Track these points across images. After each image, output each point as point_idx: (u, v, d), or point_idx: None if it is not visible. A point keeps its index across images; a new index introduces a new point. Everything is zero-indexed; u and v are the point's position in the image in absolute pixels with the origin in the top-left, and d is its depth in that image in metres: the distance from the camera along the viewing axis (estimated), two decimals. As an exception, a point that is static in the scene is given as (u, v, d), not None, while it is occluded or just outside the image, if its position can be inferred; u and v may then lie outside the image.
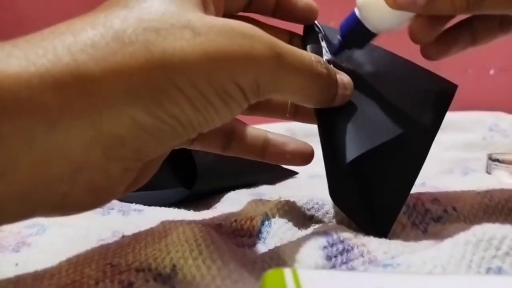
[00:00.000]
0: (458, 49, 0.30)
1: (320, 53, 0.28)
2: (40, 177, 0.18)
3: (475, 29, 0.30)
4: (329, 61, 0.28)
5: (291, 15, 0.29)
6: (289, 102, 0.31)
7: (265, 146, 0.31)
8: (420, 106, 0.28)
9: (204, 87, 0.20)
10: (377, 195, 0.27)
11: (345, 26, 0.28)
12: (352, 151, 0.25)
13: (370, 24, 0.27)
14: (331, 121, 0.27)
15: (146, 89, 0.19)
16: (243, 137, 0.30)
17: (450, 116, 0.76)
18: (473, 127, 0.73)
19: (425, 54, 0.30)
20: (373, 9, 0.27)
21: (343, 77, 0.27)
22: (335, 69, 0.27)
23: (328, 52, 0.29)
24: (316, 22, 0.30)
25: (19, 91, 0.17)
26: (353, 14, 0.28)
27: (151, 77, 0.19)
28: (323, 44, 0.29)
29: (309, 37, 0.30)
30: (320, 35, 0.30)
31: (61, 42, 0.18)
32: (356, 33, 0.28)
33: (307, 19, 0.30)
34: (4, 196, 0.18)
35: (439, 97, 0.28)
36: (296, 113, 0.32)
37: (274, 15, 0.30)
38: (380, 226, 0.26)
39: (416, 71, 0.29)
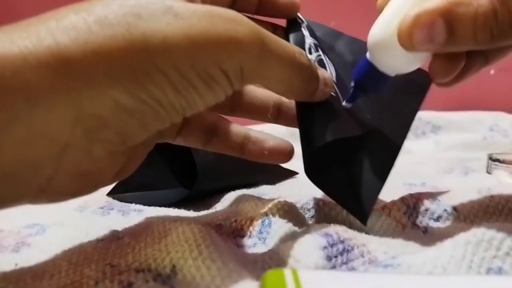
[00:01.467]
0: (472, 73, 0.29)
1: (302, 41, 0.29)
2: (24, 156, 0.19)
3: (487, 51, 0.28)
4: (310, 51, 0.29)
5: (274, 11, 0.30)
6: (272, 103, 0.31)
7: (245, 143, 0.31)
8: (398, 95, 0.29)
9: (186, 70, 0.21)
10: (356, 180, 0.27)
11: (357, 71, 0.27)
12: (325, 136, 0.26)
13: (384, 67, 0.26)
14: (309, 110, 0.27)
15: (126, 70, 0.19)
16: (225, 134, 0.31)
17: (450, 116, 0.77)
18: (473, 127, 0.73)
19: (440, 84, 0.28)
20: (386, 51, 0.25)
21: (323, 73, 0.27)
22: (316, 64, 0.27)
23: (310, 37, 0.29)
24: (298, 14, 0.31)
25: (3, 70, 0.18)
26: (365, 58, 0.26)
27: (131, 59, 0.19)
28: (305, 32, 0.30)
29: (292, 27, 0.30)
30: (302, 24, 0.30)
31: (45, 26, 0.19)
32: (370, 77, 0.26)
33: (289, 13, 0.30)
34: None
35: (417, 87, 0.29)
36: (279, 116, 0.32)
37: (257, 12, 0.30)
38: (360, 211, 0.27)
39: None
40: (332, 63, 0.30)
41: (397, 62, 0.25)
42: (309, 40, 0.29)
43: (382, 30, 0.25)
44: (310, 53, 0.29)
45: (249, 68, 0.22)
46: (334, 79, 0.28)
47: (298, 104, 0.28)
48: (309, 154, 0.26)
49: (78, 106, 0.19)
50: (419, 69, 0.27)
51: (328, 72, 0.28)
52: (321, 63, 0.28)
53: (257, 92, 0.32)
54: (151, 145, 0.27)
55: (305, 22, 0.31)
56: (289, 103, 0.32)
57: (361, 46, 0.30)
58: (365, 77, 0.26)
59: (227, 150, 0.31)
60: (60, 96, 0.19)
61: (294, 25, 0.30)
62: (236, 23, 0.22)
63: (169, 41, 0.20)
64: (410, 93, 0.29)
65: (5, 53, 0.18)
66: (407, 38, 0.23)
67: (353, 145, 0.28)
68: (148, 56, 0.20)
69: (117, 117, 0.20)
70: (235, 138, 0.31)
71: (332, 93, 0.28)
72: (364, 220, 0.27)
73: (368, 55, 0.26)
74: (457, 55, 0.26)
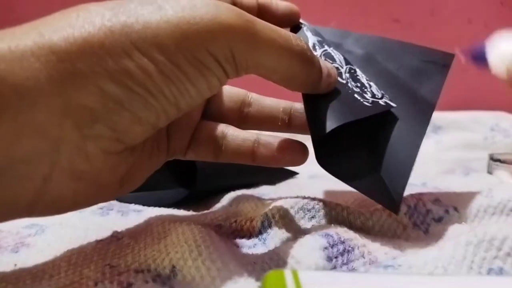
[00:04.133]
0: None
1: (306, 40, 0.28)
2: (14, 151, 0.18)
3: None
4: (315, 48, 0.29)
5: (274, 20, 0.29)
6: (281, 109, 0.31)
7: (255, 148, 0.29)
8: (417, 78, 0.29)
9: (172, 53, 0.20)
10: (378, 165, 0.26)
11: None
12: (333, 121, 0.25)
13: None
14: (316, 98, 0.27)
15: (110, 57, 0.19)
16: (234, 142, 0.29)
17: (451, 116, 0.77)
18: (474, 127, 0.73)
19: None
20: None
21: (326, 64, 0.26)
22: (318, 57, 0.26)
23: (314, 36, 0.29)
24: (301, 21, 0.30)
25: None
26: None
27: (113, 43, 0.20)
28: (308, 33, 0.30)
29: (293, 31, 0.30)
30: (304, 27, 0.30)
31: (31, 25, 0.20)
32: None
33: (290, 21, 0.30)
34: None
35: (437, 67, 0.29)
36: (290, 123, 0.31)
37: None
38: (389, 198, 0.25)
39: (409, 47, 0.30)
40: (340, 53, 0.30)
41: None
42: (312, 40, 0.29)
43: None
44: (315, 50, 0.28)
45: (240, 53, 0.22)
46: (344, 66, 0.28)
47: (304, 96, 0.27)
48: (318, 141, 0.25)
49: (64, 95, 0.19)
50: (440, 51, 0.28)
51: (336, 63, 0.27)
52: (328, 56, 0.28)
53: (265, 101, 0.31)
54: (160, 161, 0.27)
55: (308, 25, 0.30)
56: (300, 107, 0.30)
57: (370, 40, 0.30)
58: None
59: (239, 159, 0.29)
60: (44, 85, 0.19)
61: (295, 28, 0.30)
62: (219, 8, 0.21)
63: (151, 25, 0.20)
64: (432, 73, 0.30)
65: None
66: None
67: (369, 128, 0.28)
68: (130, 40, 0.20)
69: (106, 108, 0.20)
70: (244, 144, 0.29)
71: (341, 80, 0.27)
72: (395, 210, 0.25)
73: None
74: None
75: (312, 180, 0.46)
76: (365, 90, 0.28)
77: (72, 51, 0.19)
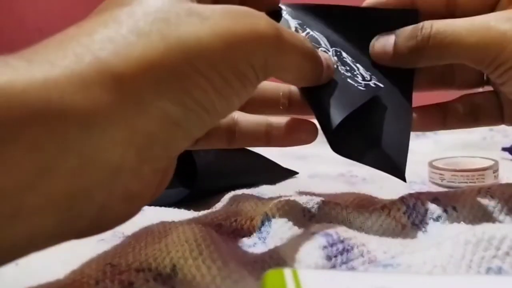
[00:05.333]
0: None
1: (288, 26, 0.29)
2: (77, 186, 0.17)
3: None
4: (297, 31, 0.29)
5: (257, 3, 0.28)
6: (281, 93, 0.31)
7: (269, 130, 0.30)
8: None
9: (223, 69, 0.20)
10: (380, 141, 0.28)
11: None
12: (340, 113, 0.26)
13: None
14: (317, 91, 0.28)
15: (170, 77, 0.19)
16: (247, 127, 0.30)
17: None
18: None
19: None
20: None
21: (323, 55, 0.27)
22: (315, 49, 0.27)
23: (293, 19, 0.30)
24: (280, 5, 0.31)
25: (48, 94, 0.16)
26: None
27: (173, 64, 0.19)
28: (287, 16, 0.30)
29: (273, 17, 0.30)
30: (283, 11, 0.30)
31: (78, 43, 0.18)
32: None
33: (271, 4, 0.30)
34: (39, 210, 0.16)
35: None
36: (290, 106, 0.32)
37: (241, 5, 0.30)
38: (394, 167, 0.28)
39: (373, 15, 0.31)
40: (323, 35, 0.30)
41: None
42: (293, 24, 0.29)
43: None
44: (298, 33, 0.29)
45: (272, 61, 0.22)
46: (330, 50, 0.29)
47: (304, 89, 0.28)
48: (330, 133, 0.27)
49: (130, 123, 0.18)
50: (403, 9, 0.30)
51: (322, 47, 0.28)
52: (313, 39, 0.29)
53: (266, 85, 0.32)
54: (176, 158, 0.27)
55: (286, 8, 0.31)
56: (297, 91, 0.32)
57: (340, 15, 0.30)
58: None
59: (254, 143, 0.30)
60: (111, 115, 0.17)
61: (275, 14, 0.30)
62: (253, 16, 0.22)
63: (203, 42, 0.20)
64: None
65: (48, 76, 0.16)
66: None
67: (366, 109, 0.28)
68: (187, 59, 0.19)
69: (165, 130, 0.19)
70: (258, 128, 0.30)
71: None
72: (402, 177, 0.28)
73: None
74: None
75: (312, 179, 0.47)
76: (355, 73, 0.29)
77: (135, 74, 0.18)
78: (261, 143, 0.31)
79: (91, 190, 0.18)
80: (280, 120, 0.31)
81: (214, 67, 0.20)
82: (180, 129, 0.20)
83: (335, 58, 0.29)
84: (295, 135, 0.31)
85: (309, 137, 0.31)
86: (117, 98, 0.17)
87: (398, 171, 0.28)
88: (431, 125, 0.33)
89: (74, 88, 0.16)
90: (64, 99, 0.16)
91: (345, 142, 0.28)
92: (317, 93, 0.27)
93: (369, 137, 0.29)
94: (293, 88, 0.32)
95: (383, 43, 0.29)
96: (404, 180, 0.28)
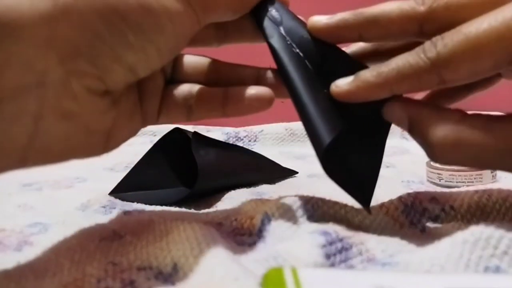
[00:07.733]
0: None
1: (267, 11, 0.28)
2: (1, 87, 0.18)
3: None
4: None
5: None
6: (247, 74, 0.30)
7: (224, 102, 0.29)
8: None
9: None
10: (356, 171, 0.28)
11: None
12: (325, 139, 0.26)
13: None
14: (306, 109, 0.27)
15: None
16: (202, 98, 0.29)
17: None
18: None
19: None
20: None
21: None
22: None
23: (275, 10, 0.29)
24: None
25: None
26: None
27: None
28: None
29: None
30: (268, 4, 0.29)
31: None
32: None
33: None
34: None
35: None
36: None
37: None
38: (362, 196, 0.28)
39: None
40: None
41: None
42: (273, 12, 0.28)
43: None
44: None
45: None
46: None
47: (296, 102, 0.27)
48: (321, 157, 0.26)
49: (49, 26, 0.19)
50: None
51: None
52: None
53: (235, 68, 0.31)
54: (138, 126, 0.27)
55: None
56: (266, 73, 0.30)
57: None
58: None
59: (211, 115, 0.30)
60: (30, 17, 0.19)
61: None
62: None
63: None
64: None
65: None
66: None
67: (345, 134, 0.28)
68: None
69: (88, 42, 0.20)
70: (215, 100, 0.29)
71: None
72: (366, 207, 0.27)
73: None
74: None
75: (311, 179, 0.47)
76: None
77: None
78: (217, 115, 0.30)
79: (18, 91, 0.19)
80: (237, 89, 0.29)
81: None
82: (104, 45, 0.21)
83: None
84: (251, 102, 0.29)
85: (264, 104, 0.29)
86: (39, 1, 0.19)
87: (364, 202, 0.28)
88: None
89: None
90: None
91: (331, 166, 0.27)
92: (307, 114, 0.27)
93: (346, 161, 0.28)
94: (261, 72, 0.30)
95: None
96: (368, 210, 0.28)
